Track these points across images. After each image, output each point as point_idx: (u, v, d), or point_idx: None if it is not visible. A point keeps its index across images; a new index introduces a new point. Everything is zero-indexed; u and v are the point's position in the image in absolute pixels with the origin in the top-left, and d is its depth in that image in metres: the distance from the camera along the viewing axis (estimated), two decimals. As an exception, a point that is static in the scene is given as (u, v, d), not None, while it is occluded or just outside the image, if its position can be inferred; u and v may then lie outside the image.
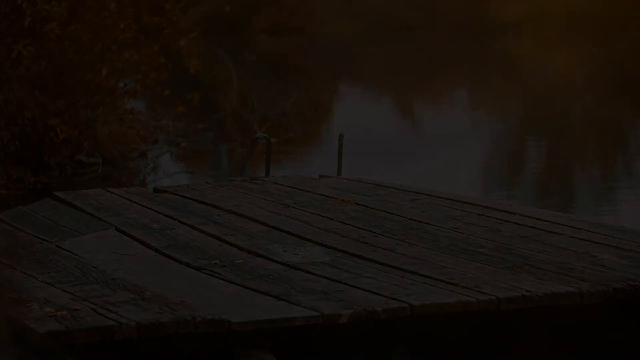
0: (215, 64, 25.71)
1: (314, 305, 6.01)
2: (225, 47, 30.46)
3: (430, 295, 6.21)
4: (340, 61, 43.71)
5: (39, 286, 6.33)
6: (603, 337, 6.51)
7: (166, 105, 18.08)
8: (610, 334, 6.54)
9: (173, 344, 5.74)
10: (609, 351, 6.46)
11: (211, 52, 27.42)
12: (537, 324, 6.38)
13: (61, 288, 6.30)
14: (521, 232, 7.97)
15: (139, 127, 16.23)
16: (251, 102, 19.48)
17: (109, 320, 5.66)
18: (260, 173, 11.53)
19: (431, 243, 7.64)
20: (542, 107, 24.80)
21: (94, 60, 14.42)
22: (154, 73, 15.77)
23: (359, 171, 11.10)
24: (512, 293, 6.28)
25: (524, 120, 22.64)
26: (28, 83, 13.32)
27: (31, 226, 8.60)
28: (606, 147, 18.00)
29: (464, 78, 35.40)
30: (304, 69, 39.21)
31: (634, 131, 20.63)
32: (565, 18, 50.98)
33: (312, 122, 21.02)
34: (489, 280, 6.52)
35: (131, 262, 7.22)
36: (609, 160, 16.68)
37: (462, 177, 13.35)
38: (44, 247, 7.67)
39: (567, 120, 22.38)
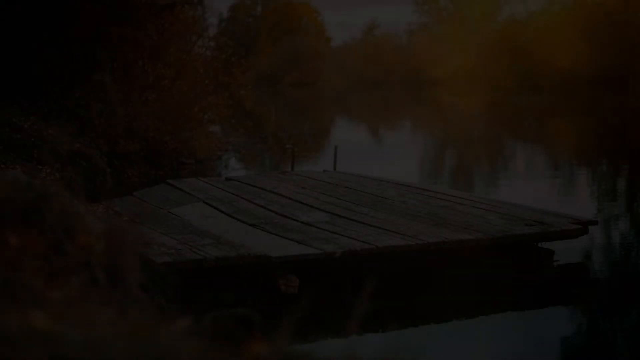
0: (261, 104, 25.72)
1: (320, 247, 6.03)
2: (267, 94, 30.55)
3: (388, 240, 6.23)
4: (335, 103, 43.68)
5: (157, 235, 6.35)
6: (490, 267, 6.53)
7: (232, 128, 18.08)
8: (493, 265, 6.56)
9: (237, 270, 5.75)
10: (493, 275, 6.48)
11: (259, 98, 27.45)
12: (451, 260, 6.39)
13: (170, 236, 6.32)
14: (442, 203, 7.99)
15: (217, 141, 16.27)
16: (283, 126, 19.44)
17: (199, 255, 5.68)
18: (288, 168, 11.51)
19: (389, 210, 7.66)
20: (454, 129, 24.79)
21: (190, 102, 14.45)
22: (225, 110, 15.77)
23: (347, 168, 11.09)
24: (437, 239, 6.31)
25: (444, 136, 22.66)
26: (151, 115, 13.34)
27: (153, 200, 8.62)
28: (491, 153, 18.04)
29: (407, 112, 35.38)
30: (314, 108, 39.18)
31: (507, 143, 20.66)
32: (467, 76, 50.95)
33: (319, 139, 21.03)
34: (423, 232, 6.54)
35: (212, 221, 7.24)
36: (494, 160, 16.71)
37: (410, 171, 13.37)
38: (160, 212, 7.70)
39: (469, 136, 22.40)
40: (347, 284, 5.75)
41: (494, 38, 51.56)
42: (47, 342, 1.28)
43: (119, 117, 12.40)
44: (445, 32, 55.85)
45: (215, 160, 15.30)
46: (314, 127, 23.97)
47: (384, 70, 58.15)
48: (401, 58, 57.59)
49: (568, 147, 18.96)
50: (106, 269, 2.12)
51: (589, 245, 7.33)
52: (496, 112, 32.42)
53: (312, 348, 1.54)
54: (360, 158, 15.00)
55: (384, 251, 6.05)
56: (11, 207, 2.06)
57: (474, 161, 16.90)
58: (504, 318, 5.58)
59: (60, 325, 1.38)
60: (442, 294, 5.91)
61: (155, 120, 13.31)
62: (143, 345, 1.33)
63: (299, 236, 6.39)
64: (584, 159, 16.33)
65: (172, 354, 1.33)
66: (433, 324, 5.43)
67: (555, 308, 5.84)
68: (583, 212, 8.22)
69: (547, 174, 13.77)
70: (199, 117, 15.07)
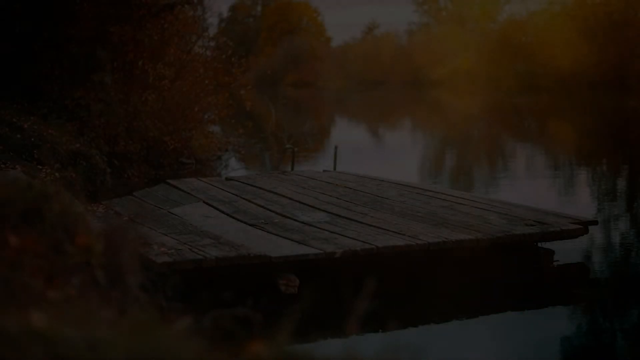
0: (261, 104, 25.73)
1: (320, 247, 6.03)
2: (267, 94, 30.53)
3: (388, 240, 6.23)
4: (335, 103, 43.70)
5: (157, 235, 6.35)
6: (489, 265, 6.53)
7: (232, 128, 18.08)
8: (492, 264, 6.56)
9: (236, 270, 5.75)
10: (492, 271, 6.47)
11: (259, 98, 27.46)
12: (451, 260, 6.39)
13: (170, 236, 6.33)
14: (442, 203, 7.99)
15: (217, 141, 16.27)
16: (283, 126, 19.46)
17: (199, 255, 5.69)
18: (288, 168, 11.51)
19: (389, 210, 7.66)
20: (454, 129, 24.78)
21: (190, 102, 14.45)
22: (225, 110, 15.78)
23: (347, 168, 11.10)
24: (436, 239, 6.30)
25: (444, 136, 22.65)
26: (151, 115, 13.34)
27: (153, 200, 8.63)
28: (490, 153, 18.03)
29: (407, 112, 35.37)
30: (314, 108, 39.19)
31: (507, 143, 20.66)
32: (467, 76, 50.93)
33: (319, 139, 21.02)
34: (423, 232, 6.54)
35: (212, 221, 7.24)
36: (494, 160, 16.70)
37: (410, 171, 13.37)
38: (160, 212, 7.70)
39: (469, 136, 22.40)
40: (347, 284, 5.74)
41: (494, 38, 51.53)
42: (47, 342, 1.28)
43: (119, 117, 12.40)
44: (445, 32, 55.82)
45: (215, 160, 15.29)
46: (314, 127, 23.95)
47: (384, 70, 58.11)
48: (401, 58, 57.54)
49: (568, 147, 18.96)
50: (106, 269, 2.12)
51: (589, 245, 7.33)
52: (496, 112, 32.41)
53: (312, 348, 1.54)
54: (360, 158, 14.99)
55: (384, 251, 6.05)
56: (11, 207, 2.06)
57: (474, 161, 16.89)
58: (504, 318, 5.58)
59: (60, 325, 1.38)
60: (442, 294, 5.90)
61: (155, 120, 13.31)
62: (143, 345, 1.33)
63: (299, 236, 6.39)
64: (584, 159, 16.32)
65: (172, 354, 1.34)
66: (433, 324, 5.43)
67: (555, 308, 5.84)
68: (583, 212, 8.22)
69: (547, 174, 13.76)
70: (199, 117, 15.06)
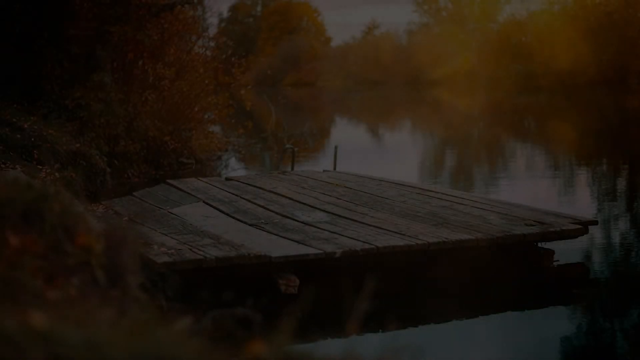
0: (261, 104, 25.71)
1: (320, 247, 6.03)
2: (267, 94, 30.50)
3: (388, 240, 6.23)
4: (335, 103, 43.69)
5: (157, 235, 6.35)
6: (488, 264, 6.53)
7: (232, 128, 18.06)
8: (492, 265, 6.55)
9: (236, 270, 5.75)
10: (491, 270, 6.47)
11: (259, 97, 27.45)
12: (451, 260, 6.38)
13: (170, 236, 6.33)
14: (442, 203, 7.98)
15: (217, 141, 16.27)
16: (283, 126, 19.43)
17: (199, 255, 5.68)
18: (288, 168, 11.50)
19: (389, 210, 7.65)
20: (454, 129, 24.77)
21: (190, 102, 14.44)
22: (225, 110, 15.77)
23: (347, 168, 11.09)
24: (436, 239, 6.30)
25: (444, 136, 22.63)
26: (151, 115, 13.34)
27: (153, 200, 8.63)
28: (491, 153, 18.02)
29: (408, 112, 35.36)
30: (314, 108, 39.19)
31: (507, 143, 20.64)
32: (467, 76, 50.89)
33: (319, 139, 21.01)
34: (423, 232, 6.54)
35: (212, 221, 7.24)
36: (494, 160, 16.68)
37: (410, 171, 13.36)
38: (160, 212, 7.69)
39: (469, 136, 22.39)
40: (347, 284, 5.74)
41: (494, 38, 51.49)
42: (47, 342, 1.28)
43: (119, 117, 12.40)
44: (445, 32, 55.78)
45: (215, 160, 15.28)
46: (314, 126, 23.94)
47: (384, 70, 58.06)
48: (401, 58, 57.49)
49: (568, 147, 18.94)
50: (106, 269, 2.12)
51: (589, 245, 7.33)
52: (496, 112, 32.40)
53: (312, 348, 1.55)
54: (360, 158, 14.99)
55: (384, 251, 6.04)
56: (11, 207, 2.06)
57: (474, 161, 16.88)
58: (504, 318, 5.58)
59: (60, 325, 1.38)
60: (442, 294, 5.90)
61: (155, 120, 13.30)
62: (143, 345, 1.33)
63: (299, 236, 6.39)
64: (584, 159, 16.31)
65: (172, 354, 1.34)
66: (433, 324, 5.42)
67: (555, 308, 5.84)
68: (583, 212, 8.22)
69: (547, 174, 13.75)
70: (199, 117, 15.06)
